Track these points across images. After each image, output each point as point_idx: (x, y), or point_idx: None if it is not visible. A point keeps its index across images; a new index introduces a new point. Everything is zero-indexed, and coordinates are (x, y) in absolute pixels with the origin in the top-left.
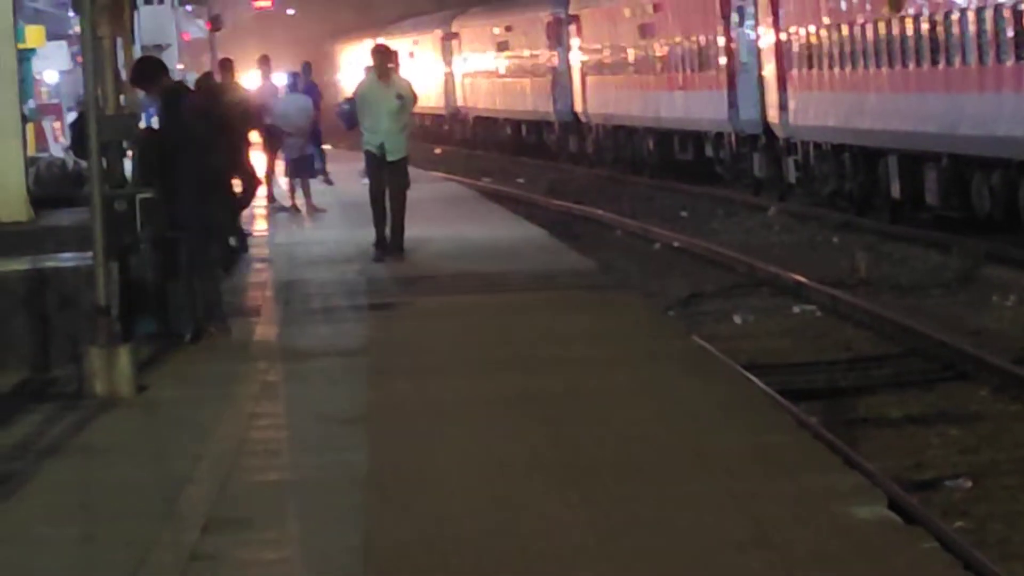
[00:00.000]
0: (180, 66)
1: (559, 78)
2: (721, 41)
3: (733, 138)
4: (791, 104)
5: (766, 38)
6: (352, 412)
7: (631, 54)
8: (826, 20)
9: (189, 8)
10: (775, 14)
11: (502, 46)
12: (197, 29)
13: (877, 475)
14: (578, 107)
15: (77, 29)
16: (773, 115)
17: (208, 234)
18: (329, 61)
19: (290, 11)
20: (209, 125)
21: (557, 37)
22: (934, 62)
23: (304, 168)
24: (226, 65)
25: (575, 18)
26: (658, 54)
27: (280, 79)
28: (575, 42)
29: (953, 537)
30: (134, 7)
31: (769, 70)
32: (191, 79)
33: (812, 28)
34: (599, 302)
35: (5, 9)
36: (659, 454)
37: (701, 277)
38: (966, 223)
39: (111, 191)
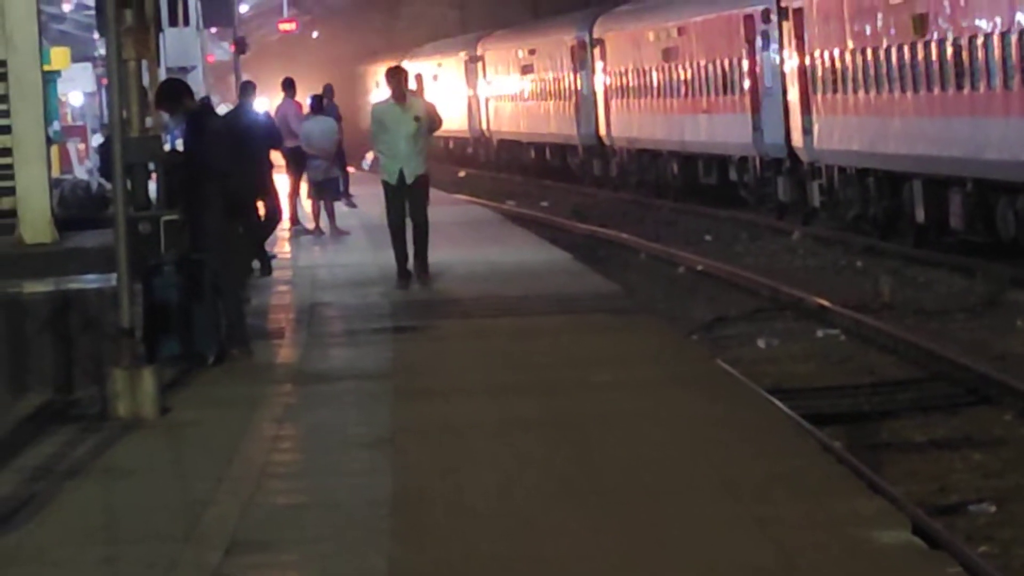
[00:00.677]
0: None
1: (583, 101)
2: (746, 65)
3: (757, 162)
4: (816, 128)
5: (790, 62)
6: (375, 435)
7: (655, 77)
8: (851, 44)
9: (214, 30)
10: (799, 38)
11: (526, 69)
12: (222, 51)
13: (901, 500)
14: (602, 130)
15: (102, 51)
16: (797, 139)
17: (231, 256)
18: (359, 82)
19: (315, 34)
20: (232, 147)
21: (581, 60)
22: (959, 86)
23: (329, 190)
24: (247, 88)
25: (599, 41)
26: (682, 78)
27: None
28: (599, 65)
29: (977, 562)
30: (159, 29)
31: (794, 94)
32: (214, 102)
33: (837, 52)
34: (623, 326)
35: (30, 31)
36: (683, 478)
37: (725, 301)
38: (990, 248)
39: (135, 213)
